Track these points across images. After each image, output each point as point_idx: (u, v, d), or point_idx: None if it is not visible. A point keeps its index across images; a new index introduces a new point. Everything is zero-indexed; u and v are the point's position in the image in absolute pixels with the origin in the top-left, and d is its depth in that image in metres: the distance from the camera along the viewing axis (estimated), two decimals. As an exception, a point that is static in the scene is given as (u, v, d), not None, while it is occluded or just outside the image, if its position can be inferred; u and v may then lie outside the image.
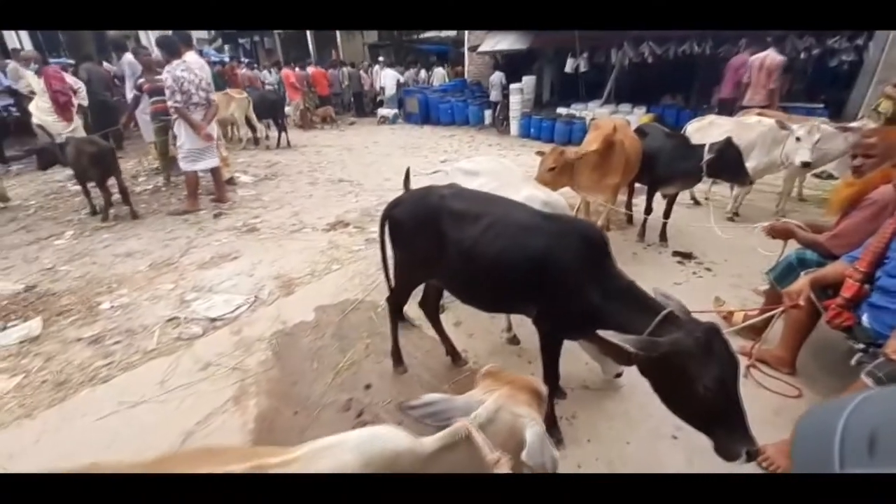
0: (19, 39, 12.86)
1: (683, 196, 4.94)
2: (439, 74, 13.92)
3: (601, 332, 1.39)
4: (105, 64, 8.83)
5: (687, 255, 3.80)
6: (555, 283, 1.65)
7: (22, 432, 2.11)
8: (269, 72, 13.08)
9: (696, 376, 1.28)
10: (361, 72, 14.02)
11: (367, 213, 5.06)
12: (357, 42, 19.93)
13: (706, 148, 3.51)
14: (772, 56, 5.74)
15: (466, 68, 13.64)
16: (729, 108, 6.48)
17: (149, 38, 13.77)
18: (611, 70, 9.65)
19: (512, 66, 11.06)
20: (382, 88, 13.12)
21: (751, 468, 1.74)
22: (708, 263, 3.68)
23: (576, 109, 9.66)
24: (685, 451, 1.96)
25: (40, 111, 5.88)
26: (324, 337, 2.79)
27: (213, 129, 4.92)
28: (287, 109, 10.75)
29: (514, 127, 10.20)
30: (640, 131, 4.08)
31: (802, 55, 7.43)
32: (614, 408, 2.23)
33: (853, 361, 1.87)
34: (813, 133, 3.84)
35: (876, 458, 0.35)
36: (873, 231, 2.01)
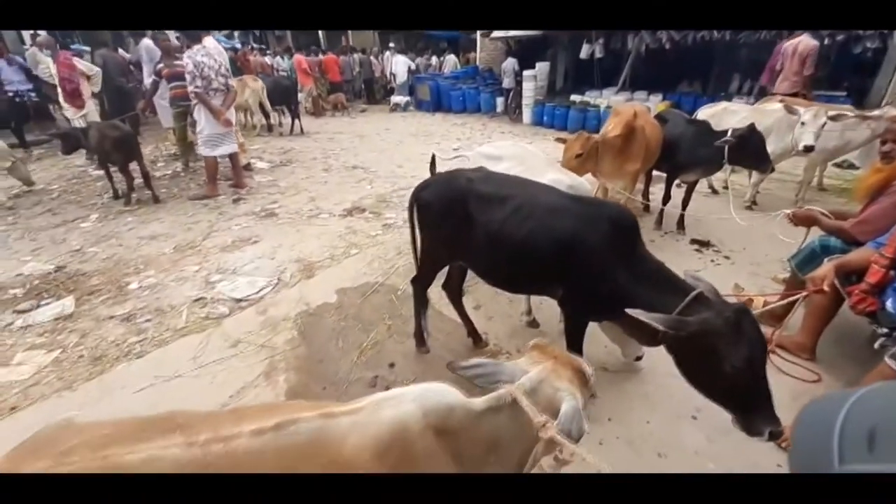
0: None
1: (701, 185, 4.90)
2: (451, 61, 13.77)
3: (629, 311, 1.41)
4: (119, 50, 8.88)
5: (705, 244, 3.79)
6: (583, 264, 1.68)
7: (63, 403, 2.21)
8: (283, 58, 13.03)
9: (724, 355, 1.31)
10: (372, 58, 13.92)
11: (383, 200, 5.10)
12: (367, 28, 19.74)
13: (728, 134, 3.48)
14: (805, 41, 5.49)
15: (478, 55, 13.47)
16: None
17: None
18: (627, 56, 9.47)
19: (525, 52, 10.91)
20: (393, 75, 13.03)
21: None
22: (726, 252, 3.67)
23: (590, 97, 9.53)
24: (705, 430, 2.00)
25: (60, 96, 5.97)
26: (346, 318, 2.86)
27: (232, 114, 4.96)
28: (299, 96, 10.74)
29: (527, 115, 10.10)
30: (661, 118, 4.04)
31: (826, 42, 7.23)
32: (634, 389, 2.27)
33: (876, 345, 1.88)
34: (819, 117, 3.77)
35: (875, 454, 0.34)
36: (901, 217, 2.01)
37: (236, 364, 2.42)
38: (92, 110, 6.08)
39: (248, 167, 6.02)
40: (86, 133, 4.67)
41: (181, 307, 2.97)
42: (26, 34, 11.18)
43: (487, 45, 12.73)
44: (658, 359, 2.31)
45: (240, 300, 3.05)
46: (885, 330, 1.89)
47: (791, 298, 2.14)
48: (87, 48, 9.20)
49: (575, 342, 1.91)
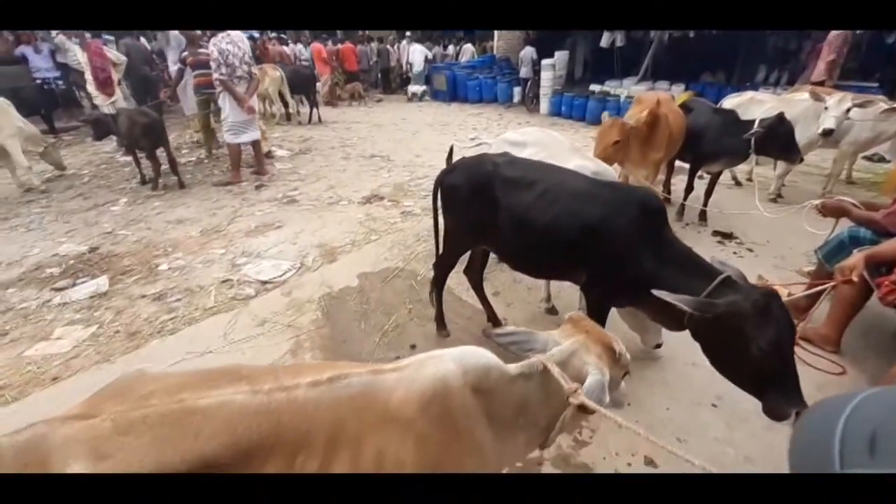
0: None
1: (724, 177, 4.82)
2: (468, 50, 13.64)
3: (656, 292, 1.42)
4: (142, 39, 9.05)
5: (727, 236, 3.75)
6: (610, 249, 1.69)
7: (102, 374, 2.33)
8: (305, 47, 13.07)
9: (751, 337, 1.32)
10: (389, 47, 13.88)
11: (401, 188, 5.15)
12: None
13: (756, 123, 3.41)
14: None
15: (495, 44, 13.31)
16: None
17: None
18: (649, 45, 9.27)
19: (544, 40, 10.75)
20: (410, 64, 12.98)
21: (770, 455, 1.77)
22: (749, 244, 3.62)
23: (610, 87, 9.38)
24: (725, 418, 2.01)
25: (88, 84, 6.13)
26: (368, 301, 2.92)
27: (255, 102, 5.04)
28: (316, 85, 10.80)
29: (545, 105, 9.99)
30: (686, 107, 3.98)
31: (857, 31, 6.96)
32: (653, 376, 2.29)
33: (905, 337, 1.86)
34: (842, 102, 3.72)
35: (877, 458, 0.34)
36: (936, 208, 1.96)
37: (264, 342, 2.51)
38: (120, 98, 6.23)
39: (269, 155, 6.12)
40: (115, 119, 4.81)
41: (209, 288, 3.07)
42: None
43: (505, 33, 12.57)
44: (678, 348, 2.33)
45: (265, 282, 3.14)
46: (914, 321, 1.86)
47: (818, 288, 2.12)
48: (112, 37, 9.41)
49: (596, 327, 1.93)
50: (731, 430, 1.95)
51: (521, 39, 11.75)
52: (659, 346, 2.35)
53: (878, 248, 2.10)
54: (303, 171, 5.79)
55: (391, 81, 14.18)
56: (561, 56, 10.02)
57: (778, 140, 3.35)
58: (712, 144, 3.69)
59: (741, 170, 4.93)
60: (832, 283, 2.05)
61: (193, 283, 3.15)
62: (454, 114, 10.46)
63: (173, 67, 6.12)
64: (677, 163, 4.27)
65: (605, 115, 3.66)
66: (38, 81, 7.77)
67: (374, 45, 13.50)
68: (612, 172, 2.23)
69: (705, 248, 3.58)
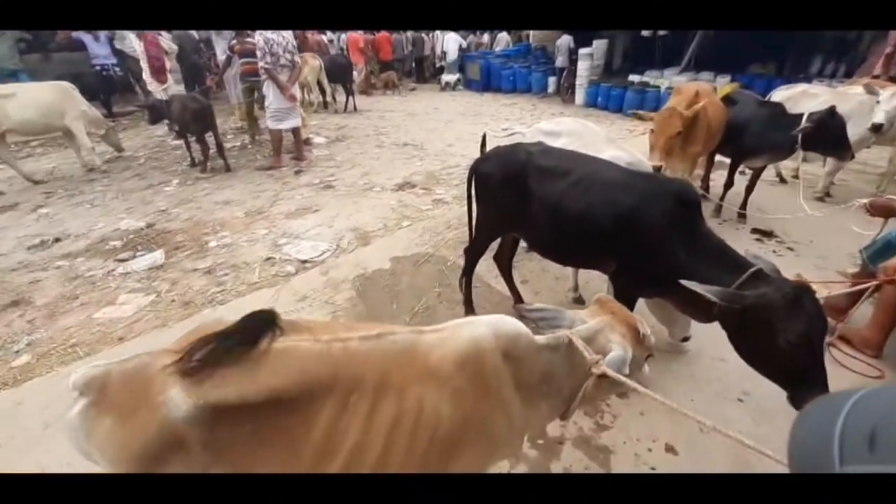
0: None
1: (767, 174, 4.64)
2: (503, 39, 13.47)
3: (684, 282, 1.45)
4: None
5: (767, 234, 3.64)
6: (642, 240, 1.72)
7: (162, 336, 2.57)
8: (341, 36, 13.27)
9: (780, 330, 1.34)
10: (424, 35, 13.88)
11: (432, 177, 5.24)
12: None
13: (804, 118, 3.27)
14: None
15: (532, 32, 13.06)
16: None
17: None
18: (693, 34, 8.88)
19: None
20: (444, 53, 12.96)
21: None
22: (790, 243, 3.51)
23: (650, 77, 9.07)
24: (751, 413, 2.01)
25: (144, 71, 6.52)
26: (400, 283, 3.06)
27: (296, 90, 5.24)
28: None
29: (580, 95, 9.79)
30: (730, 99, 3.85)
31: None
32: (680, 369, 2.30)
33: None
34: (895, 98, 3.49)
35: (876, 455, 0.34)
36: None
37: (304, 316, 2.69)
38: (172, 84, 6.60)
39: (307, 142, 6.35)
40: (169, 105, 5.13)
41: (254, 265, 3.29)
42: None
43: (542, 22, 12.29)
44: (706, 342, 2.34)
45: (304, 261, 3.33)
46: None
47: (858, 287, 2.07)
48: (164, 26, 9.90)
49: (623, 316, 1.97)
50: (757, 425, 1.96)
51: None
52: (687, 339, 2.35)
53: (927, 250, 2.03)
54: (339, 157, 5.99)
55: (425, 70, 14.21)
56: (599, 45, 9.75)
57: (827, 135, 3.21)
58: (755, 138, 3.56)
59: (787, 166, 4.72)
60: (874, 283, 2.01)
61: (239, 259, 3.38)
62: (487, 103, 10.42)
63: (222, 57, 6.41)
64: (718, 157, 4.15)
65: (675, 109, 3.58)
66: (97, 68, 8.30)
67: (409, 33, 13.52)
68: (646, 164, 2.23)
69: (743, 245, 3.47)
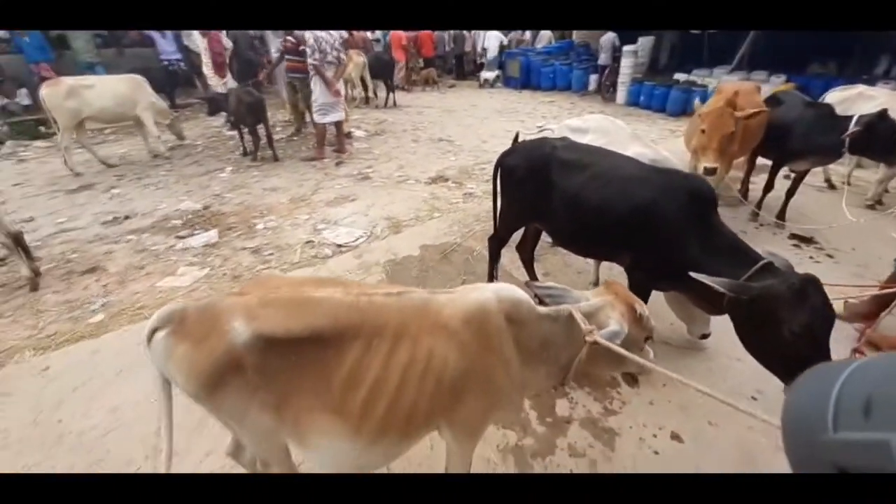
0: None
1: (817, 179, 4.44)
2: (545, 36, 13.34)
3: (693, 274, 1.52)
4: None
5: (806, 240, 3.52)
6: (657, 233, 1.79)
7: (214, 306, 2.88)
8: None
9: (784, 320, 1.39)
10: (465, 32, 13.97)
11: (465, 172, 5.39)
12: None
13: (853, 121, 3.15)
14: None
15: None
16: None
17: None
18: (748, 31, 8.46)
19: (628, 26, 10.21)
20: (485, 50, 13.02)
21: (780, 458, 1.77)
22: (830, 250, 3.39)
23: (697, 76, 8.74)
24: (763, 410, 2.02)
25: (205, 66, 7.05)
26: (427, 270, 3.24)
27: (341, 85, 5.53)
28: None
29: (622, 94, 9.57)
30: (776, 99, 3.74)
31: None
32: (695, 365, 2.34)
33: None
34: None
35: (871, 422, 0.33)
36: None
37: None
38: (230, 79, 7.11)
39: (348, 135, 6.66)
40: (226, 98, 5.56)
41: (296, 246, 3.57)
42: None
43: (587, 18, 12.06)
44: (724, 341, 2.34)
45: (340, 245, 3.58)
46: None
47: (887, 291, 2.03)
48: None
49: (638, 308, 2.04)
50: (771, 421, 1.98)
51: (604, 25, 11.23)
52: (705, 336, 2.38)
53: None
54: (377, 151, 6.25)
55: (465, 67, 14.31)
56: (645, 42, 9.50)
57: (877, 140, 3.08)
58: (800, 141, 3.45)
59: (839, 172, 4.50)
60: (903, 289, 1.97)
61: (283, 241, 3.68)
62: (525, 101, 10.41)
63: (275, 54, 6.82)
64: (759, 161, 4.03)
65: (697, 103, 3.55)
66: (165, 63, 9.04)
67: (452, 30, 13.65)
68: (671, 160, 2.26)
69: (778, 251, 3.39)
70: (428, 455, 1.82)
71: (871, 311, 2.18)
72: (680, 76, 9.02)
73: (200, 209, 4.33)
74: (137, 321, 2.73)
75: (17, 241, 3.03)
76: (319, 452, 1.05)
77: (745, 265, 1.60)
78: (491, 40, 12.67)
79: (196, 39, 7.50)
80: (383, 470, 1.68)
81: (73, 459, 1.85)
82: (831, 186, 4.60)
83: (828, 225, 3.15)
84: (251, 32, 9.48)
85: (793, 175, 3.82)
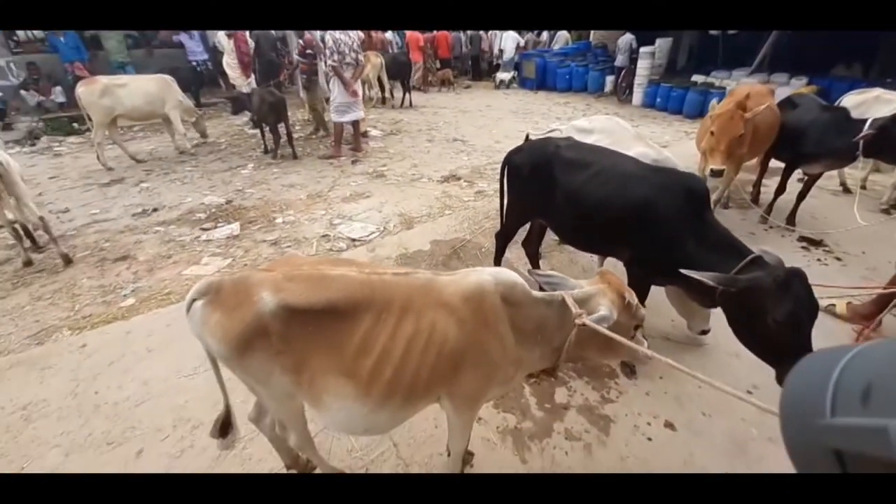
0: None
1: (827, 181, 4.41)
2: (562, 37, 13.32)
3: (684, 271, 1.60)
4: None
5: (816, 242, 3.52)
6: (653, 229, 1.88)
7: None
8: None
9: (768, 309, 1.47)
10: (482, 33, 14.06)
11: (477, 171, 5.50)
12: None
13: (867, 124, 3.15)
14: None
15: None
16: None
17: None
18: (768, 32, 8.34)
19: (646, 28, 10.16)
20: (501, 51, 13.09)
21: (773, 448, 1.83)
22: (839, 253, 3.38)
23: (715, 78, 8.65)
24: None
25: (229, 67, 7.33)
26: (437, 264, 3.36)
27: (358, 86, 5.70)
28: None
29: (638, 96, 9.54)
30: (790, 102, 3.74)
31: None
32: (693, 360, 2.40)
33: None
34: None
35: (869, 408, 0.33)
36: None
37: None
38: (253, 79, 7.37)
39: (365, 134, 6.84)
40: (250, 98, 5.79)
41: (312, 240, 3.74)
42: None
43: (604, 20, 12.01)
44: (723, 338, 2.40)
45: (355, 240, 3.73)
46: None
47: (888, 291, 2.07)
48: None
49: (637, 303, 2.13)
50: (762, 414, 2.02)
51: (621, 26, 11.18)
52: (705, 332, 2.44)
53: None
54: (392, 150, 6.42)
55: (481, 67, 14.40)
56: (663, 44, 9.42)
57: (891, 143, 3.07)
58: (813, 144, 3.45)
59: (854, 175, 4.46)
60: (900, 289, 2.00)
61: (300, 235, 3.85)
62: (540, 102, 10.46)
63: (296, 56, 7.04)
64: (772, 163, 4.03)
65: (714, 103, 3.58)
66: (192, 63, 9.40)
67: (469, 31, 13.76)
68: (673, 160, 2.33)
69: (784, 251, 3.39)
70: (432, 433, 1.94)
71: (872, 312, 2.21)
72: (698, 78, 8.94)
73: (223, 203, 4.55)
74: (165, 305, 2.93)
75: (44, 227, 3.35)
76: (332, 413, 1.18)
77: (735, 258, 1.67)
78: (507, 41, 12.74)
79: (221, 40, 7.79)
80: (383, 470, 1.78)
81: (109, 426, 2.03)
82: (846, 190, 4.55)
83: (837, 229, 3.15)
84: (273, 34, 9.77)
85: (805, 178, 3.82)
